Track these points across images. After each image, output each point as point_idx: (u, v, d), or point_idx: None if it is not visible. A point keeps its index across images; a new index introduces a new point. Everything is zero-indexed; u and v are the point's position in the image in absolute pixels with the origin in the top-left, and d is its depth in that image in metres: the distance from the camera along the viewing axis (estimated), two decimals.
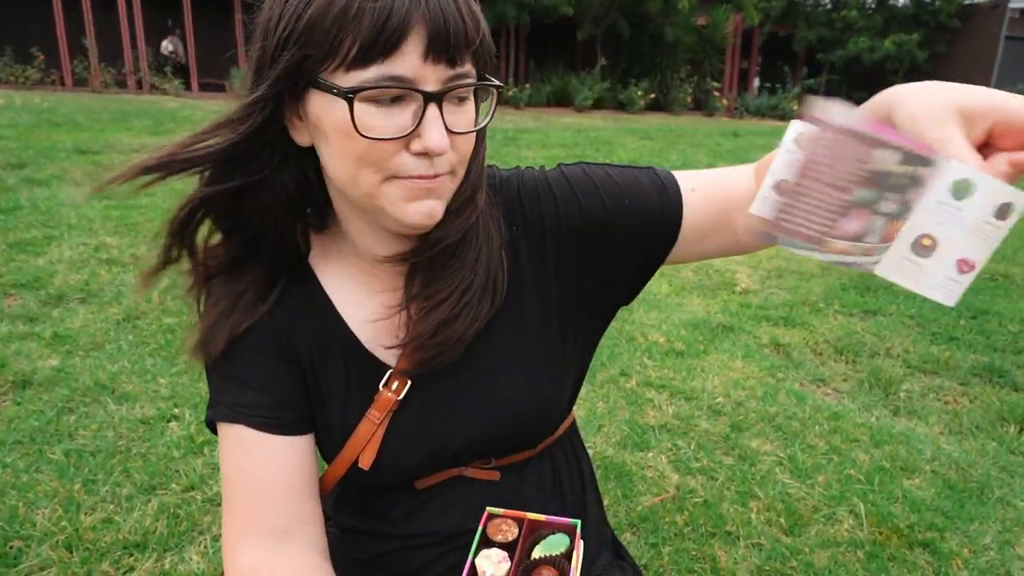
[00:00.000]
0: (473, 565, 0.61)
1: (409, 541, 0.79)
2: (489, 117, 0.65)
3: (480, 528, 0.64)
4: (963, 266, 0.48)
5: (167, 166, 0.63)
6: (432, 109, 0.58)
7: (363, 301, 0.74)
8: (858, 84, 18.63)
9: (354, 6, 0.54)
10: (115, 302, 3.04)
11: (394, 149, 0.60)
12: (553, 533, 0.63)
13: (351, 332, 0.73)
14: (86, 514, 1.71)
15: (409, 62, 0.56)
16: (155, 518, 1.71)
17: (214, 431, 0.73)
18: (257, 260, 0.71)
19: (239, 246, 0.70)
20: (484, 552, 0.62)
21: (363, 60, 0.56)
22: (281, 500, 0.70)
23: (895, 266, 0.49)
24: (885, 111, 0.53)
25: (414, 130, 0.59)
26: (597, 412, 2.38)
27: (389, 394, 0.72)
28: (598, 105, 15.87)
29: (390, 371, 0.73)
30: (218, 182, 0.65)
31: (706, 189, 0.74)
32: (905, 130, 0.49)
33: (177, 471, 1.90)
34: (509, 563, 0.61)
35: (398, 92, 0.58)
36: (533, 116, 13.39)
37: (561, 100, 16.06)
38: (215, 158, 0.63)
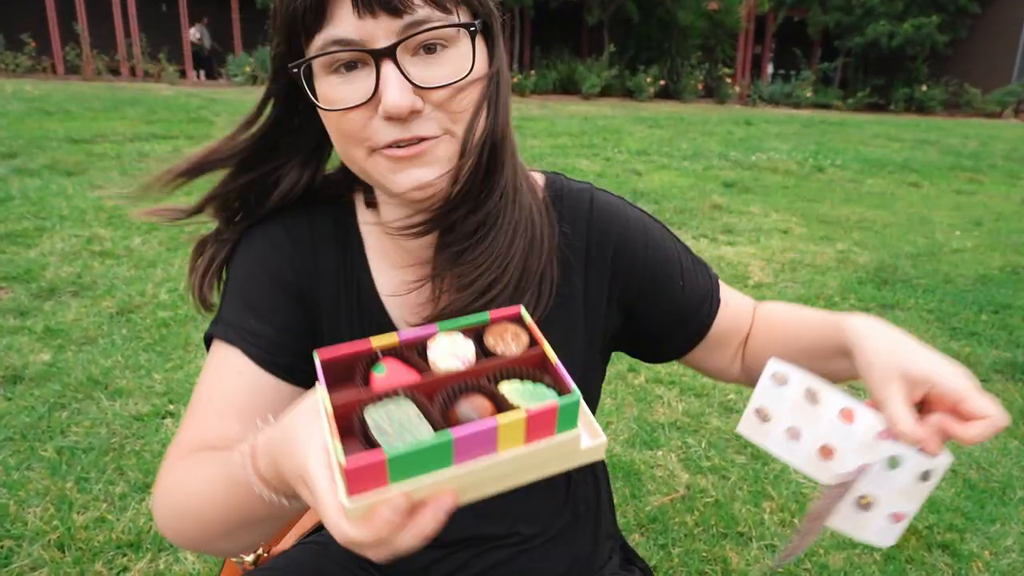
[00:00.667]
0: (422, 343, 0.50)
1: None
2: (471, 68, 0.59)
3: (487, 314, 0.51)
4: (896, 518, 0.60)
5: (197, 169, 0.70)
6: (387, 67, 0.56)
7: (389, 273, 0.74)
8: (876, 70, 18.47)
9: None
10: (108, 295, 3.04)
11: (364, 118, 0.58)
12: (549, 388, 0.48)
13: (380, 303, 0.73)
14: (79, 513, 1.71)
15: (346, 21, 0.55)
16: (149, 517, 1.71)
17: (208, 346, 0.72)
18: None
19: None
20: (456, 338, 0.50)
21: (305, 31, 0.57)
22: (241, 428, 0.65)
23: (841, 518, 0.62)
24: (845, 342, 0.65)
25: (375, 94, 0.57)
26: (604, 409, 2.37)
27: None
28: (605, 92, 15.81)
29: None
30: (243, 174, 0.71)
31: (724, 312, 0.79)
32: (860, 374, 0.63)
33: None
34: (461, 367, 0.48)
35: (347, 56, 0.57)
36: (538, 104, 13.34)
37: (567, 87, 16.00)
38: (239, 157, 0.69)
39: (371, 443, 0.43)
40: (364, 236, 0.74)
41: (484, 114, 0.62)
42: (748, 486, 1.99)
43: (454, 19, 0.58)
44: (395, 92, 0.56)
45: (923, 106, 17.50)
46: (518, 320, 0.52)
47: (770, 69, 19.84)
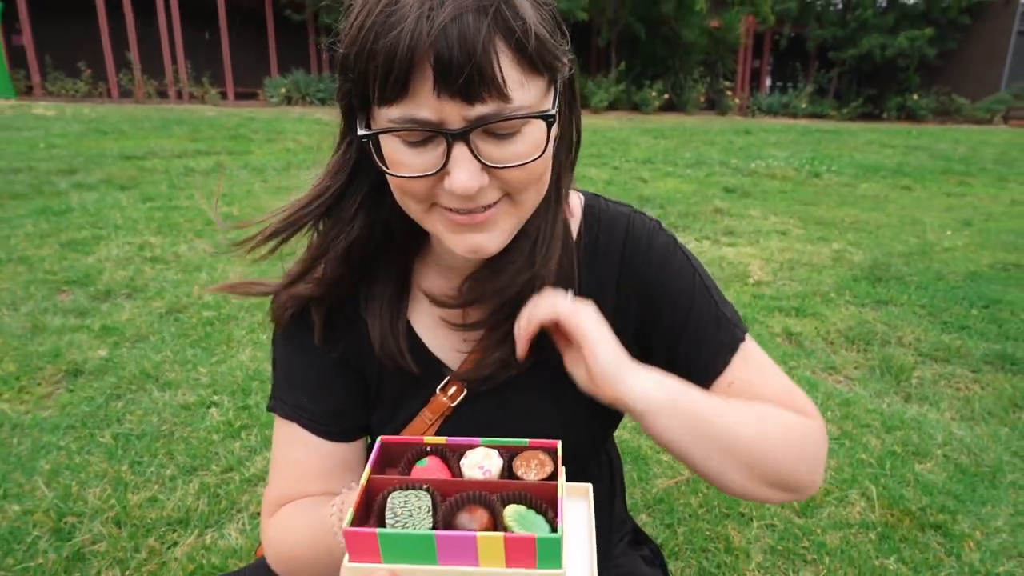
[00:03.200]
0: (464, 449, 0.53)
1: None
2: (541, 152, 0.56)
3: (527, 441, 0.54)
4: None
5: (291, 227, 0.64)
6: (458, 149, 0.53)
7: (434, 312, 0.72)
8: (868, 81, 18.23)
9: (367, 46, 0.51)
10: (158, 297, 3.09)
11: (429, 184, 0.56)
12: (548, 522, 0.49)
13: (416, 334, 0.72)
14: (133, 493, 1.74)
15: (426, 101, 0.51)
16: (196, 497, 1.74)
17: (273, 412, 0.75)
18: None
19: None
20: (491, 453, 0.52)
21: (384, 100, 0.52)
22: (320, 486, 0.71)
23: None
24: None
25: (442, 168, 0.54)
26: None
27: (444, 399, 0.71)
28: (613, 106, 15.73)
29: (448, 376, 0.71)
30: (342, 231, 0.64)
31: (737, 375, 0.69)
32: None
33: (216, 453, 1.94)
34: (482, 478, 0.51)
35: (423, 136, 0.53)
36: None
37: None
38: (327, 208, 0.63)
39: (382, 522, 0.47)
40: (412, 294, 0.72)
41: (547, 181, 0.61)
42: None
43: (527, 103, 0.53)
44: (464, 175, 0.53)
45: (914, 114, 17.18)
46: (552, 451, 0.54)
47: (768, 82, 19.63)
